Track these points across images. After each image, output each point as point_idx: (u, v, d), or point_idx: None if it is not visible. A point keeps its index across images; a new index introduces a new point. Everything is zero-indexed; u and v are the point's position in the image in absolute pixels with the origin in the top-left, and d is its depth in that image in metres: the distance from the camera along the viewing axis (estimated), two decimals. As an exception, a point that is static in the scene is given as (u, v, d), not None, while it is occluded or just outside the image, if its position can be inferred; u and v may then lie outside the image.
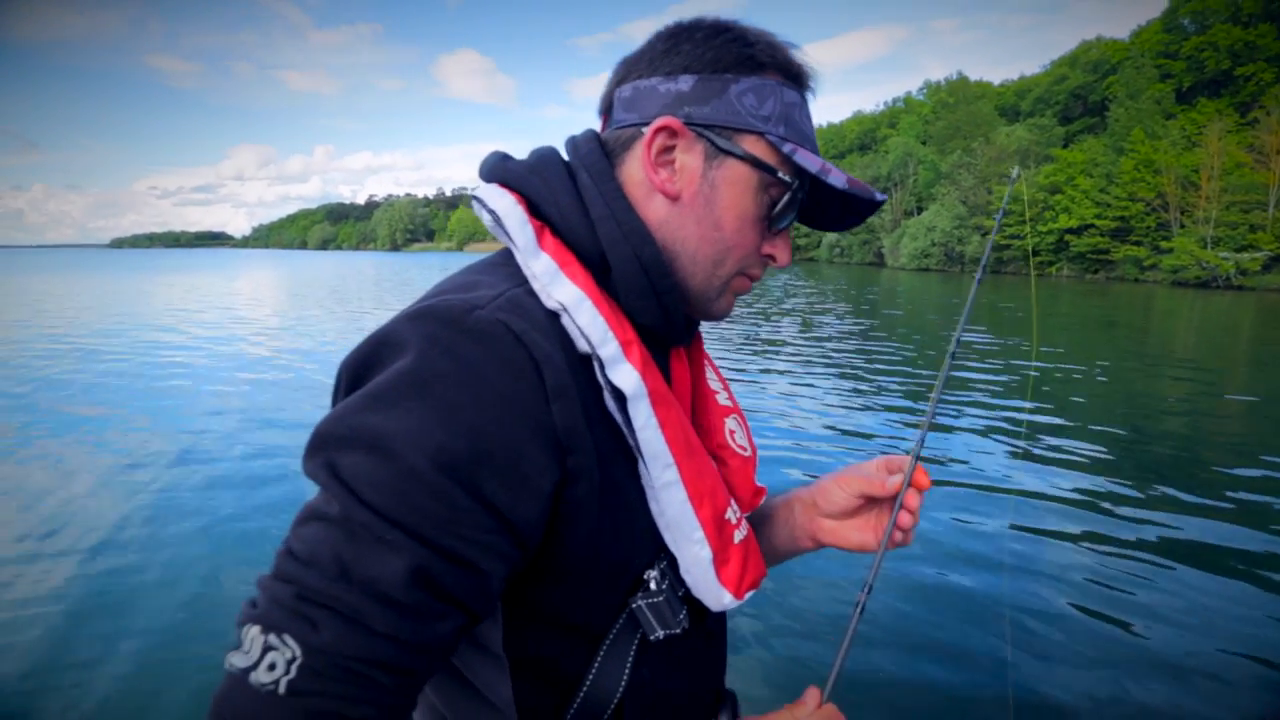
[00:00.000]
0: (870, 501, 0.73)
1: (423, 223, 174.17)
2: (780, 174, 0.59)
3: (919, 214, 50.91)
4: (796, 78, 0.61)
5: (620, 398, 0.55)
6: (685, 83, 0.58)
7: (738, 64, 0.59)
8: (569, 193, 0.59)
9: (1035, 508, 4.20)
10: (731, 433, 0.71)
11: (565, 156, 0.64)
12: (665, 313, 0.61)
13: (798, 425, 5.96)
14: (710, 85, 0.58)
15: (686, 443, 0.60)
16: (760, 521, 0.80)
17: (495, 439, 0.48)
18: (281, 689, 0.42)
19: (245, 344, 10.76)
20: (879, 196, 0.63)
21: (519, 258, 0.57)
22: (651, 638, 0.60)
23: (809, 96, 0.63)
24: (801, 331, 12.38)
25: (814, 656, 2.64)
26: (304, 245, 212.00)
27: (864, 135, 68.21)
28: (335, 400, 0.54)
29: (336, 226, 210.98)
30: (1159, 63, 44.56)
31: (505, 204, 0.58)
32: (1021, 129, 48.97)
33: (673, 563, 0.61)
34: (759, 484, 0.75)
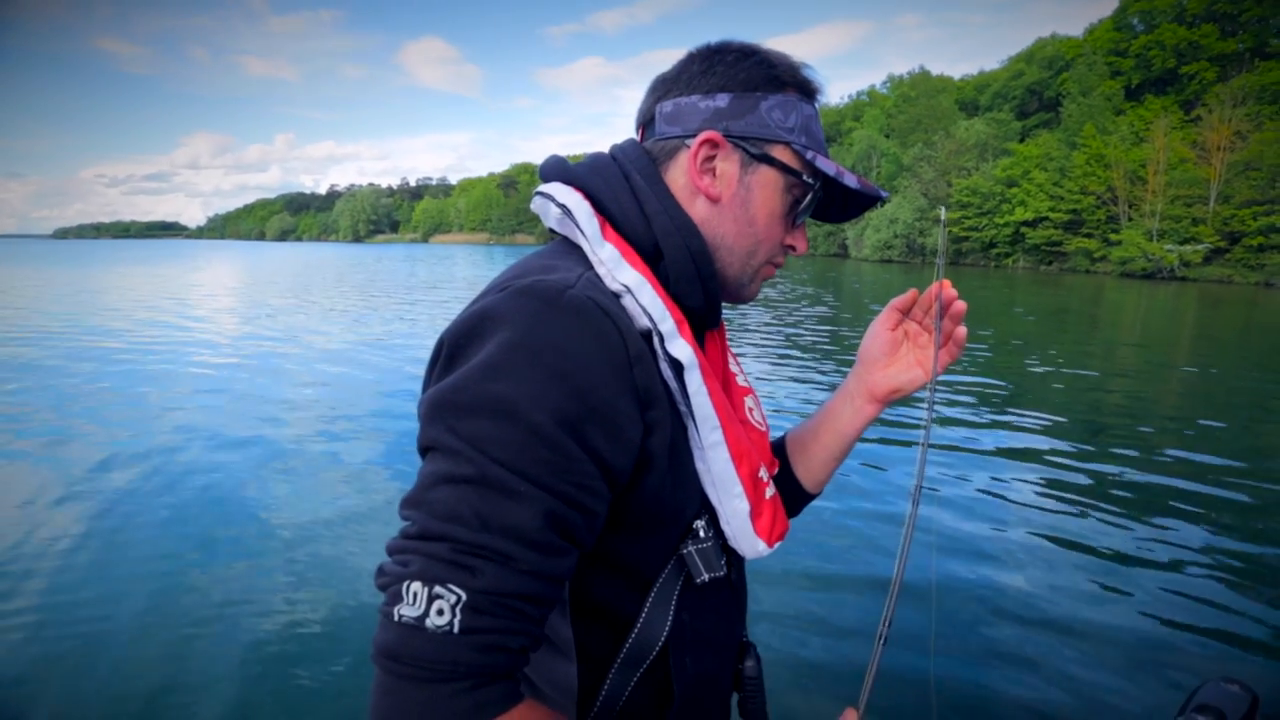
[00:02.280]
0: (907, 339, 0.85)
1: (386, 213, 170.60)
2: (804, 177, 0.70)
3: (881, 206, 51.65)
4: (811, 94, 0.72)
5: (677, 367, 0.63)
6: (722, 100, 0.68)
7: (766, 83, 0.69)
8: (626, 191, 0.69)
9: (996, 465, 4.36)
10: (750, 410, 0.80)
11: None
12: (708, 297, 0.70)
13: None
14: (744, 102, 0.68)
15: (727, 409, 0.69)
16: (814, 433, 0.91)
17: (598, 397, 0.56)
18: (456, 628, 0.50)
19: (190, 342, 10.45)
20: (884, 194, 0.74)
21: (586, 245, 0.65)
22: (697, 580, 0.68)
23: (819, 106, 0.74)
24: (776, 318, 12.57)
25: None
26: (262, 236, 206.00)
27: (830, 128, 68.93)
28: (432, 369, 0.61)
29: (296, 217, 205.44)
30: (1110, 60, 45.97)
31: (575, 199, 0.67)
32: (980, 123, 50.06)
33: (713, 516, 0.70)
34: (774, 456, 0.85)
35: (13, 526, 3.77)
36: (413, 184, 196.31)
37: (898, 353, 0.85)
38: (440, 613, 0.50)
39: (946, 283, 0.79)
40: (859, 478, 4.65)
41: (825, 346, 10.35)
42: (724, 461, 0.67)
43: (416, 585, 0.50)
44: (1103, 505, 4.30)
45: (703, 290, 0.70)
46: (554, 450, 0.54)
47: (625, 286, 0.63)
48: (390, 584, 0.52)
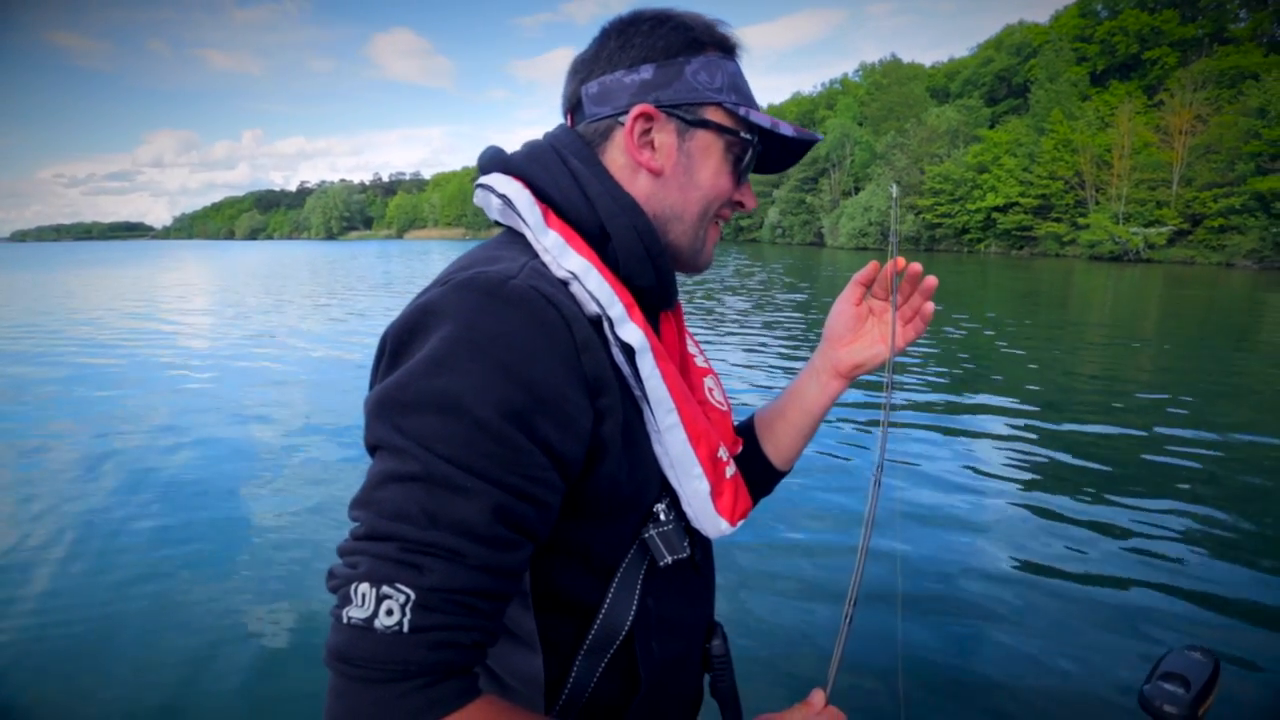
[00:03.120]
0: (870, 318, 0.86)
1: (359, 209, 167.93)
2: (742, 134, 0.70)
3: (856, 194, 52.19)
4: (731, 49, 0.72)
5: (629, 351, 0.63)
6: (646, 72, 0.68)
7: (686, 47, 0.69)
8: (566, 176, 0.67)
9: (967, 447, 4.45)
10: (710, 390, 0.80)
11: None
12: (659, 274, 0.70)
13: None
14: (668, 70, 0.68)
15: (683, 392, 0.69)
16: (781, 411, 0.91)
17: (544, 387, 0.55)
18: (405, 628, 0.49)
19: (162, 345, 10.22)
20: (818, 136, 0.74)
21: (529, 234, 0.65)
22: (661, 564, 0.68)
23: (740, 60, 0.74)
24: (757, 307, 12.64)
25: (809, 651, 2.62)
26: (231, 235, 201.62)
27: (803, 116, 69.22)
28: (377, 366, 0.61)
29: (267, 215, 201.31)
30: (1075, 46, 46.74)
31: (514, 188, 0.66)
32: (951, 110, 50.63)
33: (674, 499, 0.70)
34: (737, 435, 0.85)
35: (-21, 539, 3.67)
36: (386, 179, 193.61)
37: (862, 328, 0.85)
38: (389, 613, 0.49)
39: (901, 260, 0.79)
40: (823, 454, 4.71)
41: (801, 332, 10.44)
42: (681, 443, 0.67)
43: (364, 586, 0.50)
44: (1069, 477, 4.42)
45: (653, 268, 0.69)
46: (500, 443, 0.53)
47: (571, 273, 0.62)
48: (340, 586, 0.51)
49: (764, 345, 9.33)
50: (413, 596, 0.50)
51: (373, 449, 0.56)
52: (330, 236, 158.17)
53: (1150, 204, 35.20)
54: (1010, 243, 42.82)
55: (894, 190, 1.01)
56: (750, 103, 0.72)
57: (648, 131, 0.69)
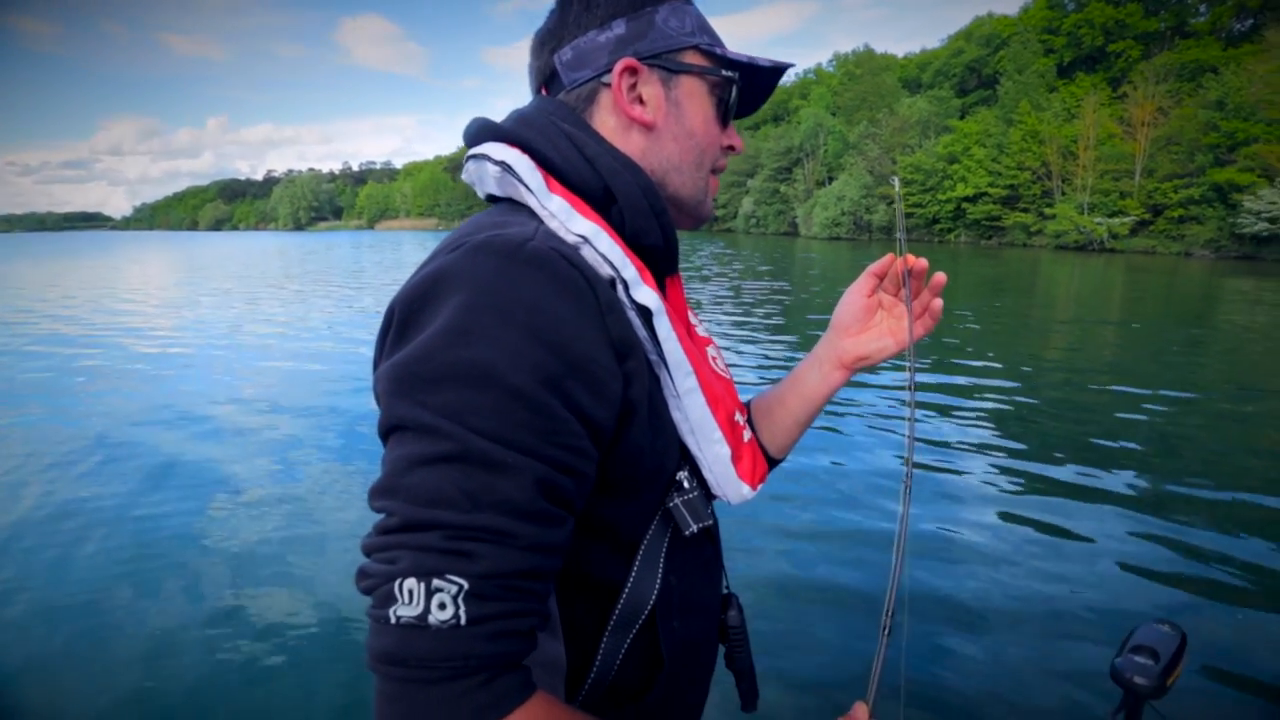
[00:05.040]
0: (880, 311, 0.84)
1: (329, 199, 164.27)
2: (723, 72, 0.70)
3: (830, 184, 52.59)
4: None
5: (645, 315, 0.61)
6: (619, 27, 0.66)
7: None
8: (563, 139, 0.65)
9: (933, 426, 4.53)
10: (714, 358, 0.78)
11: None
12: (664, 233, 0.68)
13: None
14: (639, 22, 0.67)
15: (697, 355, 0.68)
16: (780, 398, 0.89)
17: (576, 351, 0.52)
18: (463, 620, 0.46)
19: (124, 341, 9.92)
20: (790, 64, 0.74)
21: (533, 200, 0.62)
22: (686, 532, 0.66)
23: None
24: (730, 293, 12.67)
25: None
26: (195, 226, 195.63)
27: (777, 106, 69.37)
28: (383, 340, 0.57)
29: (232, 205, 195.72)
30: (1043, 38, 47.49)
31: (513, 155, 0.63)
32: (922, 100, 51.17)
33: (693, 466, 0.68)
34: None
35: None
36: (356, 168, 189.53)
37: (871, 320, 0.83)
38: (442, 606, 0.46)
39: (911, 256, 0.79)
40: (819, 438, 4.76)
41: (778, 319, 10.51)
42: (701, 407, 0.66)
43: (411, 581, 0.46)
44: (1039, 454, 4.53)
45: (659, 225, 0.67)
46: (538, 413, 0.50)
47: (581, 237, 0.59)
48: (379, 585, 0.48)
49: (746, 335, 9.38)
50: (466, 586, 0.47)
51: (391, 430, 0.52)
52: (298, 227, 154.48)
53: (1114, 194, 36.05)
54: (979, 232, 43.55)
55: (897, 185, 0.97)
56: (720, 42, 0.71)
57: (634, 86, 0.67)
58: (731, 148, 0.75)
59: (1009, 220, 41.24)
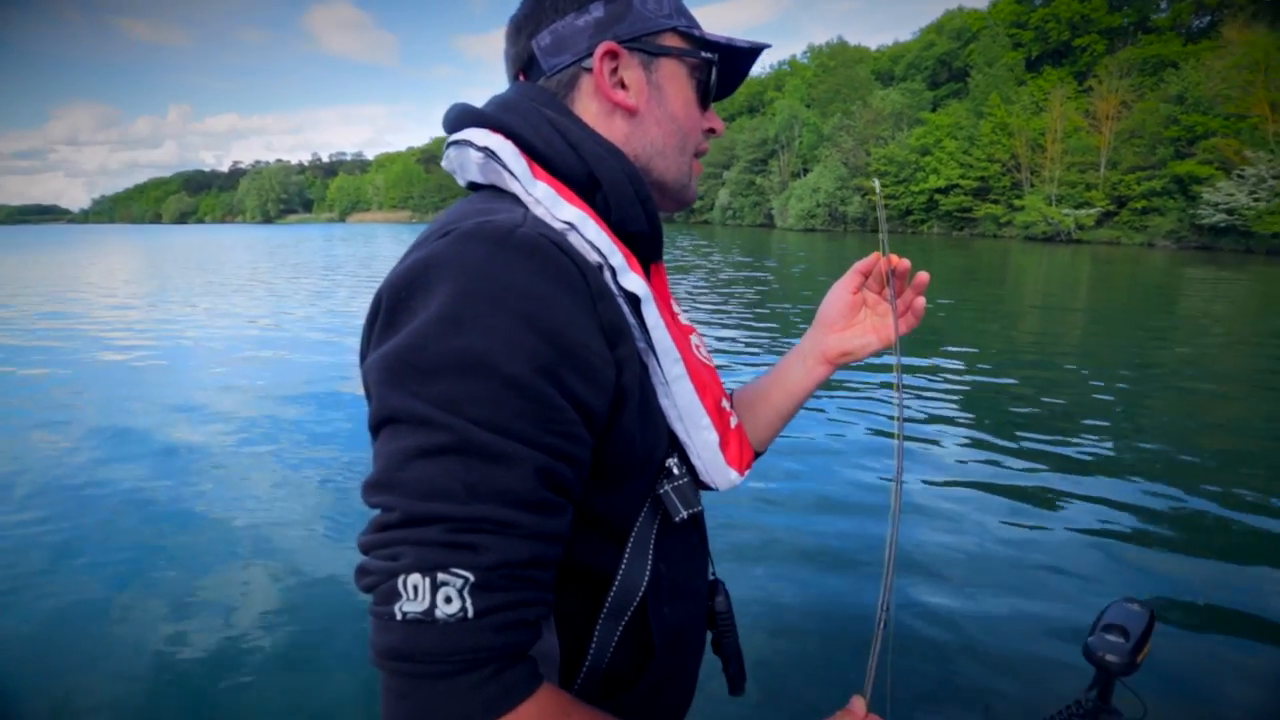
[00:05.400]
0: (864, 308, 0.84)
1: (298, 192, 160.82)
2: (702, 54, 0.69)
3: (804, 175, 52.96)
4: None
5: (633, 301, 0.61)
6: (597, 10, 0.66)
7: None
8: (545, 125, 0.64)
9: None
10: (697, 346, 0.77)
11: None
12: (649, 219, 0.67)
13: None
14: (617, 5, 0.66)
15: (684, 341, 0.68)
16: (763, 391, 0.89)
17: (570, 338, 0.52)
18: (470, 613, 0.46)
19: (97, 338, 9.62)
20: (767, 44, 0.73)
21: (518, 187, 0.61)
22: (675, 519, 0.65)
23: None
24: (708, 285, 12.71)
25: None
26: (158, 219, 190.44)
27: (752, 98, 69.62)
28: (370, 329, 0.56)
29: (196, 197, 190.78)
30: (1012, 32, 48.27)
31: (496, 140, 0.62)
32: (895, 93, 51.70)
33: (682, 453, 0.68)
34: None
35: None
36: (326, 160, 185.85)
37: (855, 316, 0.84)
38: (449, 600, 0.46)
39: (894, 256, 0.80)
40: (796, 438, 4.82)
41: (757, 309, 10.58)
42: (689, 394, 0.66)
43: (415, 577, 0.46)
44: (1008, 437, 4.65)
45: (644, 213, 0.66)
46: (535, 401, 0.50)
47: (568, 223, 0.59)
48: (380, 582, 0.47)
49: (726, 325, 9.43)
50: (471, 579, 0.46)
51: (384, 423, 0.51)
52: (267, 220, 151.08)
53: (1080, 186, 36.88)
54: (951, 224, 44.25)
55: (878, 186, 0.97)
56: (697, 24, 0.71)
57: (615, 70, 0.66)
58: (712, 130, 0.75)
59: (980, 211, 41.96)
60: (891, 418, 5.26)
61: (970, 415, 5.43)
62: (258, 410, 5.78)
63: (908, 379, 6.51)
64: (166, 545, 3.41)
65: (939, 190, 43.75)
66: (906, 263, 0.80)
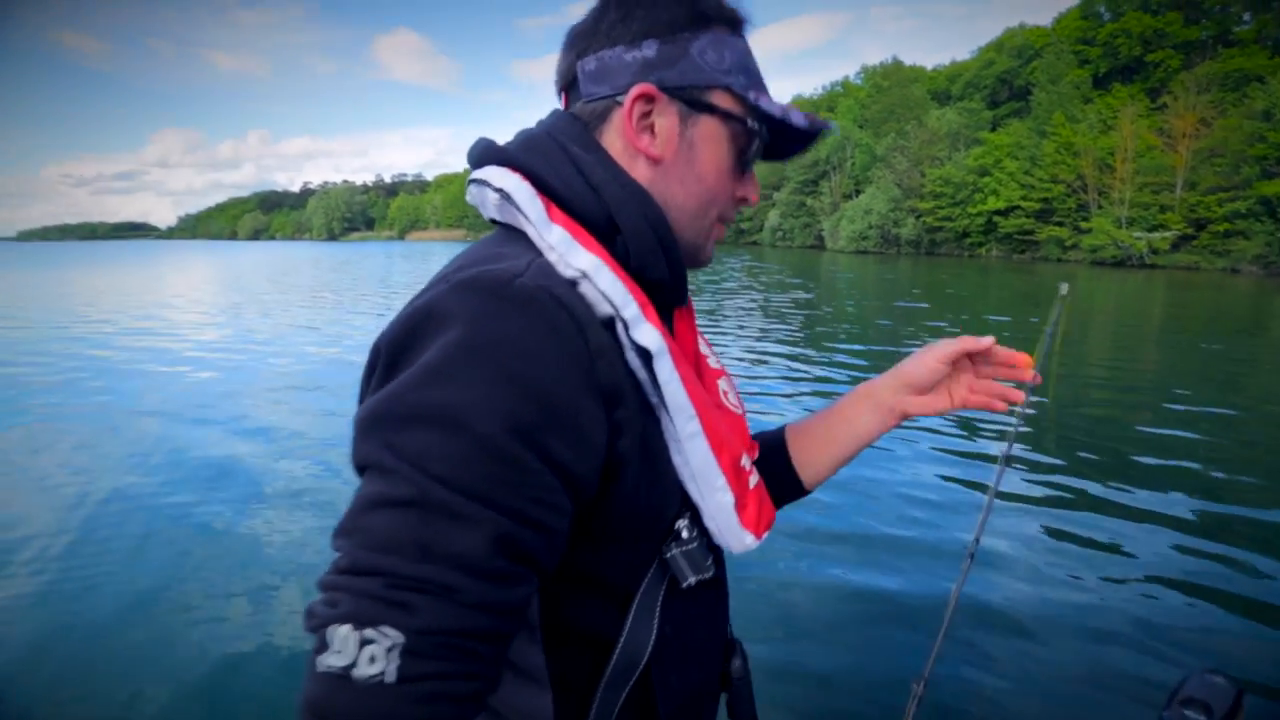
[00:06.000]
0: (952, 369, 0.81)
1: (361, 210, 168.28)
2: (749, 122, 0.64)
3: (856, 197, 52.15)
4: (738, 24, 0.65)
5: (645, 355, 0.57)
6: (649, 48, 0.61)
7: (691, 22, 0.62)
8: (567, 165, 0.61)
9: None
10: (725, 393, 0.74)
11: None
12: (672, 267, 0.64)
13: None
14: (673, 48, 0.61)
15: (703, 396, 0.63)
16: (827, 430, 0.85)
17: (557, 399, 0.50)
18: (390, 678, 0.43)
19: (171, 338, 10.15)
20: (830, 125, 0.68)
21: (532, 231, 0.58)
22: (684, 584, 0.62)
23: (747, 36, 0.66)
24: (758, 306, 12.55)
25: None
26: (234, 235, 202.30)
27: (805, 119, 69.12)
28: (370, 378, 0.55)
29: (269, 215, 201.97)
30: (1077, 49, 46.68)
31: (513, 181, 0.60)
32: (952, 112, 50.61)
33: (695, 513, 0.64)
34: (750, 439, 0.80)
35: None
36: (388, 180, 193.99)
37: (938, 385, 0.82)
38: (372, 660, 0.43)
39: (1029, 367, 0.78)
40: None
41: (808, 333, 10.35)
42: (704, 453, 0.61)
43: (345, 629, 0.43)
44: (1080, 476, 4.33)
45: (666, 260, 0.63)
46: (505, 464, 0.48)
47: (581, 271, 0.56)
48: (318, 627, 0.44)
49: (773, 349, 9.25)
50: (401, 641, 0.43)
51: (361, 469, 0.50)
52: (332, 237, 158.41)
53: (1154, 208, 35.08)
54: (1012, 246, 42.70)
55: (1063, 290, 0.98)
56: (759, 85, 0.66)
57: (648, 114, 0.62)
58: (745, 199, 0.69)
59: (1043, 234, 40.37)
60: (963, 454, 5.00)
61: (1033, 447, 5.11)
62: (314, 425, 5.92)
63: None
64: (211, 555, 3.48)
65: (998, 212, 42.34)
66: (1033, 376, 0.79)
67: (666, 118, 0.63)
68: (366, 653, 0.43)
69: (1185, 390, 7.06)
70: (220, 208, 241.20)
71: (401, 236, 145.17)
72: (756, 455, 0.77)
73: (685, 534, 0.62)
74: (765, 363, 8.22)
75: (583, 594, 0.59)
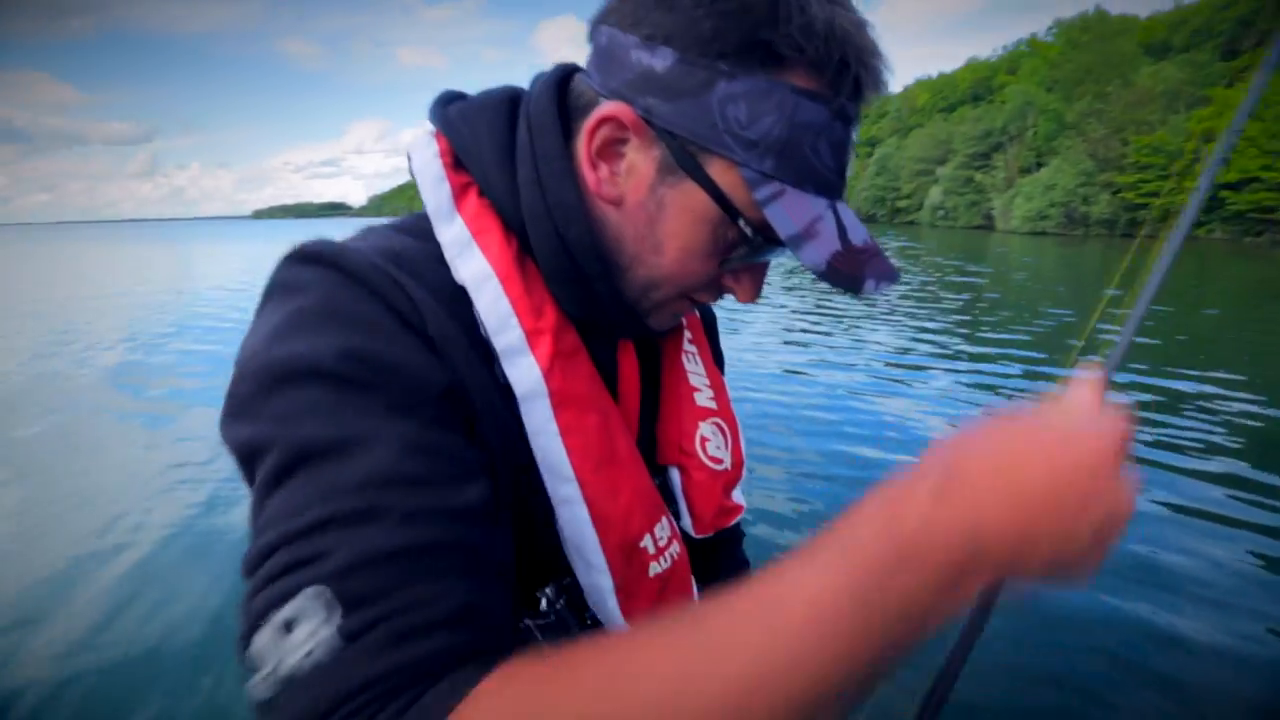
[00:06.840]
0: None
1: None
2: (743, 219, 0.46)
3: (1038, 170, 45.44)
4: (837, 85, 0.44)
5: (510, 395, 0.46)
6: (662, 59, 0.44)
7: (741, 51, 0.42)
8: (500, 148, 0.49)
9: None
10: (705, 440, 0.60)
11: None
12: (595, 301, 0.50)
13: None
14: (691, 75, 0.43)
15: (602, 455, 0.49)
16: None
17: (387, 355, 0.40)
18: (336, 639, 0.33)
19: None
20: (891, 279, 0.48)
21: (432, 219, 0.49)
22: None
23: (852, 110, 0.45)
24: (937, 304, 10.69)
25: None
26: (411, 212, 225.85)
27: (978, 84, 61.68)
28: None
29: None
30: (1361, -22, 36.72)
31: (425, 156, 0.50)
32: (1171, 66, 42.16)
33: (573, 579, 0.51)
34: (736, 501, 0.63)
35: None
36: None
37: None
38: (307, 637, 0.33)
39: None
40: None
41: (969, 317, 8.48)
42: (580, 524, 0.48)
43: (263, 636, 0.34)
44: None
45: (584, 292, 0.50)
46: (377, 373, 0.40)
47: (462, 286, 0.46)
48: (242, 650, 0.35)
49: (932, 346, 7.60)
50: (327, 592, 0.33)
51: (240, 463, 0.40)
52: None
53: None
54: (1244, 227, 34.83)
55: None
56: (802, 181, 0.45)
57: (621, 142, 0.47)
58: (731, 292, 0.53)
59: (1289, 212, 32.46)
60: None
61: (1227, 455, 3.43)
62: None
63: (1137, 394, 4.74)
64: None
65: (1228, 185, 34.62)
66: None
67: (642, 157, 0.46)
68: (292, 639, 0.33)
69: None
70: (400, 189, 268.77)
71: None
72: (732, 520, 0.62)
73: (544, 605, 0.50)
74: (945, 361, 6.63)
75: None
